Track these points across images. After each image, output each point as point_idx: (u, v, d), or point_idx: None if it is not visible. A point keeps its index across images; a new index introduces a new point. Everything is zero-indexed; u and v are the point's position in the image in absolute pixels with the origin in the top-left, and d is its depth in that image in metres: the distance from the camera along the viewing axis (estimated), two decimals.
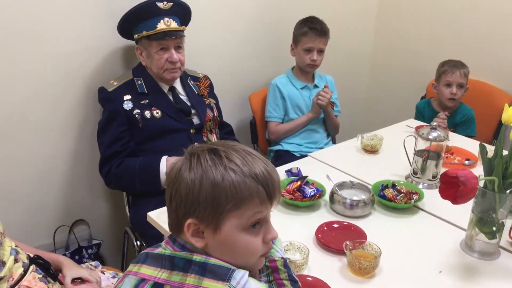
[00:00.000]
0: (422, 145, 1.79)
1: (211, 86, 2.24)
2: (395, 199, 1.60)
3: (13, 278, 1.35)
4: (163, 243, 0.98)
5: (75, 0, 1.92)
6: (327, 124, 2.55)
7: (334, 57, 2.81)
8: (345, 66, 3.11)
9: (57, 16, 1.89)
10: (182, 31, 2.00)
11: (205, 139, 2.07)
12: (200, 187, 0.89)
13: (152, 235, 1.76)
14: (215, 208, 0.89)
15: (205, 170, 0.90)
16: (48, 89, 1.95)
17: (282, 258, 1.07)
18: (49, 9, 1.86)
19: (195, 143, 1.86)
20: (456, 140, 2.23)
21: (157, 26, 1.92)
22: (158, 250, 0.96)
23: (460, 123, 2.52)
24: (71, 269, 1.51)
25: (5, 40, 1.80)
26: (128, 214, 2.10)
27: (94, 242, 2.18)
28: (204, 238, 0.92)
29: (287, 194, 1.61)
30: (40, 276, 1.42)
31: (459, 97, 2.48)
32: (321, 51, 2.43)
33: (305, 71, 2.50)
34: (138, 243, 2.01)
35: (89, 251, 2.13)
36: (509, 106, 1.41)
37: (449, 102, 2.48)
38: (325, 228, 1.46)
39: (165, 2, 1.94)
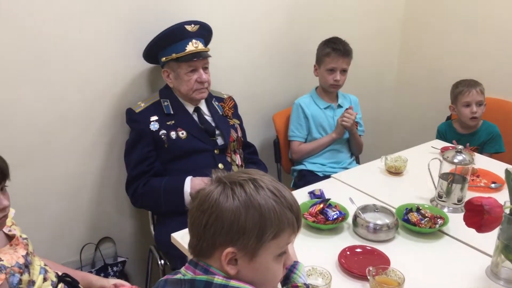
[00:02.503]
0: (447, 167, 1.77)
1: (235, 106, 2.27)
2: (419, 223, 1.58)
3: None
4: (182, 269, 0.99)
5: (103, 25, 1.98)
6: (351, 144, 2.55)
7: (358, 77, 2.81)
8: (370, 85, 3.11)
9: (86, 40, 1.95)
10: (208, 51, 2.05)
11: (229, 159, 2.10)
12: (246, 215, 0.90)
13: (176, 255, 1.78)
14: (259, 236, 0.91)
15: (250, 199, 0.92)
16: (77, 110, 2.01)
17: (305, 284, 1.08)
18: (78, 34, 1.93)
19: (220, 168, 1.88)
20: (482, 162, 2.19)
21: (186, 48, 1.97)
22: (177, 276, 0.97)
23: (486, 141, 2.50)
24: (106, 280, 1.58)
25: (35, 64, 1.86)
26: (153, 232, 2.13)
27: (119, 259, 2.22)
28: (237, 265, 0.94)
29: (310, 216, 1.62)
30: None
31: (480, 115, 2.46)
32: (344, 71, 2.44)
33: (328, 91, 2.51)
34: (162, 262, 2.04)
35: (115, 268, 2.16)
36: None
37: (471, 121, 2.46)
38: (348, 253, 1.45)
39: (192, 25, 1.99)
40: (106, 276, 2.13)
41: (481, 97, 2.44)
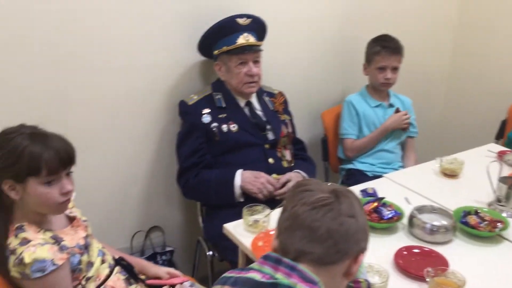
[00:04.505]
0: (507, 171, 1.72)
1: (285, 102, 2.27)
2: (478, 226, 1.54)
3: (99, 278, 1.43)
4: (257, 265, 0.95)
5: (160, 18, 2.01)
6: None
7: (408, 77, 2.75)
8: (420, 86, 3.04)
9: (143, 33, 1.99)
10: (259, 45, 2.05)
11: (279, 154, 2.10)
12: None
13: (226, 246, 1.80)
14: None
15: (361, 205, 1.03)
16: (131, 100, 2.05)
17: (366, 280, 1.08)
18: (136, 28, 1.97)
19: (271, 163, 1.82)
20: None
21: (237, 41, 1.98)
22: (251, 275, 0.92)
23: None
24: (160, 268, 1.64)
25: (101, 57, 1.92)
26: (202, 224, 2.16)
27: (168, 249, 2.25)
28: None
29: None
30: (124, 277, 1.50)
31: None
32: (395, 69, 2.39)
33: (379, 90, 2.47)
34: (211, 253, 2.06)
35: (163, 257, 2.20)
36: None
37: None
38: (405, 253, 1.43)
39: (244, 18, 2.00)
40: (155, 264, 2.16)
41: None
